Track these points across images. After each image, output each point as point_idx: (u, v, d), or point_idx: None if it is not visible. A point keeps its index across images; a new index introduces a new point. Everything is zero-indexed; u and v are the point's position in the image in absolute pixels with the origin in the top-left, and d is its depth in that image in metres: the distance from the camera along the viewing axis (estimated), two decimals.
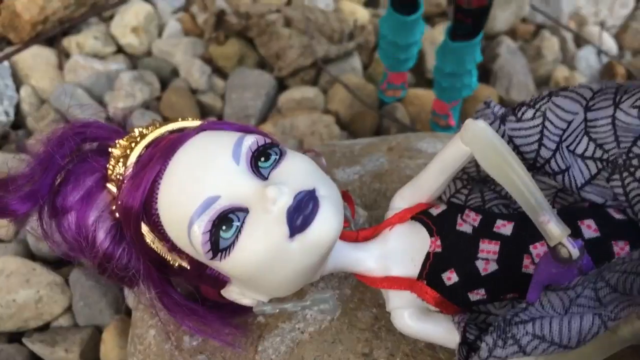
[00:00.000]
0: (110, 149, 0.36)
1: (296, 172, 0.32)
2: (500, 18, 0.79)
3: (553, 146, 0.32)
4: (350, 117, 0.69)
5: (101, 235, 0.36)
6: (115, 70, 0.71)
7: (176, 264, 0.35)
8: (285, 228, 0.30)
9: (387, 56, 0.65)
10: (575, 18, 0.85)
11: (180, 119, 0.38)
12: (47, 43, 0.76)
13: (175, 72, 0.75)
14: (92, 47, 0.74)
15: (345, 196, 0.36)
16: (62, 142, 0.36)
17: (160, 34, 0.79)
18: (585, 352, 0.28)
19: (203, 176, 0.32)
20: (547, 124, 0.33)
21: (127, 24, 0.75)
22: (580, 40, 0.82)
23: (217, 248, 0.31)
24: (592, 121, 0.33)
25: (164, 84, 0.73)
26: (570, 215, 0.31)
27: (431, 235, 0.34)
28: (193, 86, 0.72)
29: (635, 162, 0.32)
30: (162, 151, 0.34)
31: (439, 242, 0.33)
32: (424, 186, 0.35)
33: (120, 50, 0.77)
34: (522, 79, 0.71)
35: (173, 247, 0.34)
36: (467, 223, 0.33)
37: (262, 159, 0.32)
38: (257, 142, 0.33)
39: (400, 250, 0.34)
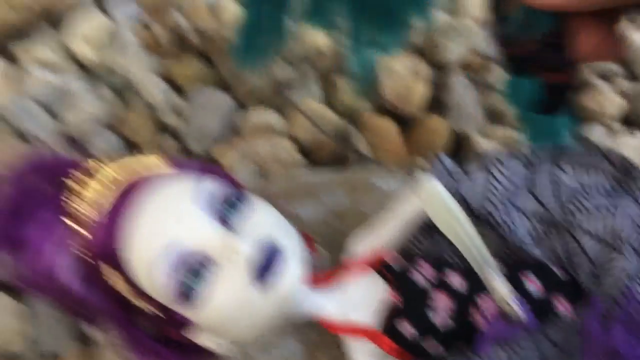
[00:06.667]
0: (66, 180, 0.36)
1: (261, 220, 0.34)
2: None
3: (498, 202, 0.36)
4: (310, 144, 0.71)
5: (59, 271, 0.36)
6: (70, 84, 0.70)
7: (140, 306, 0.36)
8: (250, 278, 0.31)
9: None
10: None
11: (138, 155, 0.38)
12: None
13: (130, 87, 0.74)
14: (45, 57, 0.72)
15: (307, 239, 0.38)
16: (21, 178, 0.37)
17: (113, 46, 0.78)
18: None
19: (168, 222, 0.33)
20: (494, 182, 0.36)
21: (79, 33, 0.74)
22: None
23: (182, 295, 0.32)
24: (534, 179, 0.36)
25: (120, 98, 0.73)
26: (514, 269, 0.35)
27: (388, 284, 0.36)
28: (152, 104, 0.72)
29: (571, 218, 0.35)
30: (126, 191, 0.35)
31: (395, 293, 0.36)
32: (380, 236, 0.37)
33: (73, 60, 0.76)
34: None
35: (139, 292, 0.34)
36: (420, 273, 0.36)
37: (227, 205, 0.34)
38: (223, 189, 0.34)
39: (359, 298, 0.36)
